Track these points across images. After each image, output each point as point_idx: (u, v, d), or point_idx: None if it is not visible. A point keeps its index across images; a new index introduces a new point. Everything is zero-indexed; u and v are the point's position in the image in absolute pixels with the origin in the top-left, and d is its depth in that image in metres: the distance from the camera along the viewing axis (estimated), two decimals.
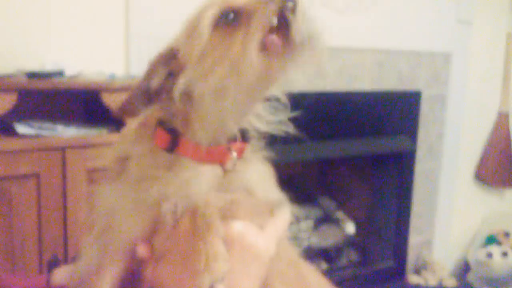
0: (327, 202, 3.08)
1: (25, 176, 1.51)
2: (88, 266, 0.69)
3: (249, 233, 0.67)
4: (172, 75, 0.66)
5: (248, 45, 0.59)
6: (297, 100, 0.71)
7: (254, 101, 0.68)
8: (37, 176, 1.53)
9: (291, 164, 2.70)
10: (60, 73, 1.61)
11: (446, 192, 3.20)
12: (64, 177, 1.57)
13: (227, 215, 0.66)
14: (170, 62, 0.66)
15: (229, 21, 0.62)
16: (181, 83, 0.64)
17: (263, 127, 0.70)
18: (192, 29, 0.65)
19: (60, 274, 0.78)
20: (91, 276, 0.68)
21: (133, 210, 0.66)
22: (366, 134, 2.75)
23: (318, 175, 3.22)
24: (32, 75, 1.55)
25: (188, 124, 0.67)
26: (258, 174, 0.72)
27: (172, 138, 0.67)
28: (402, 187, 3.01)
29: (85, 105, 1.84)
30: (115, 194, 0.69)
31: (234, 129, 0.67)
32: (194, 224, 0.63)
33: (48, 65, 1.68)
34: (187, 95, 0.65)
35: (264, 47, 0.59)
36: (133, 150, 0.69)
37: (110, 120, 1.69)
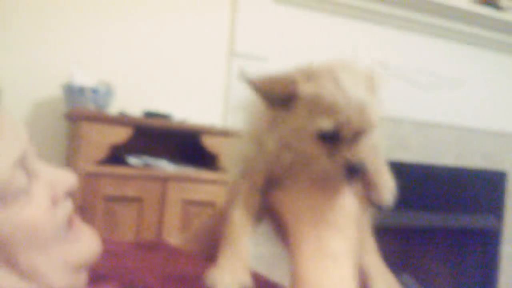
0: (407, 279, 3.03)
1: (130, 199, 1.74)
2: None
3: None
4: None
5: None
6: None
7: None
8: (140, 200, 1.75)
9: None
10: (168, 116, 1.88)
11: None
12: (162, 204, 1.77)
13: None
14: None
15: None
16: None
17: None
18: None
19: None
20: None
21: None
22: (448, 209, 2.76)
23: (398, 247, 3.19)
24: (147, 114, 1.83)
25: None
26: None
27: None
28: (487, 267, 2.93)
29: (185, 146, 2.07)
30: None
31: None
32: None
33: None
34: None
35: None
36: None
37: (206, 161, 1.91)
